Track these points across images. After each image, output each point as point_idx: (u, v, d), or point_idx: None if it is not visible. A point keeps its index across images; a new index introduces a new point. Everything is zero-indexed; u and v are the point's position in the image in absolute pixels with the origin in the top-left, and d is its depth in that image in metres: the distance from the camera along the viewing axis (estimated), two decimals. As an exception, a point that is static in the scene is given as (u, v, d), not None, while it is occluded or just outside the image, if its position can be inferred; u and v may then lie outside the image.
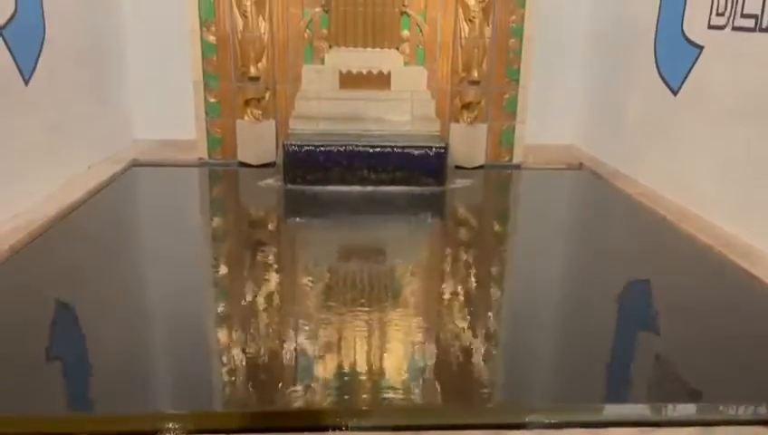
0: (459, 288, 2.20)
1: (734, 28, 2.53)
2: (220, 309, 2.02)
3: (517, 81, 3.61)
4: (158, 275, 2.30)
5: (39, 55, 2.71)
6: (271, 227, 2.99)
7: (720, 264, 2.34)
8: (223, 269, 2.37)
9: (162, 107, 3.78)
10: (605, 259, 2.52)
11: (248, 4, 3.35)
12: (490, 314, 2.03)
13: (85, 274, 2.19)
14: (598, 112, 3.91)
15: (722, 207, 2.63)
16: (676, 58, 2.95)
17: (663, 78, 3.07)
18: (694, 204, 2.81)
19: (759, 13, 2.38)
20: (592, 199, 3.43)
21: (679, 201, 2.91)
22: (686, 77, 2.88)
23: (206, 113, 3.53)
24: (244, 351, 1.67)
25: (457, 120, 3.64)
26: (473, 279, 2.31)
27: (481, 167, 3.71)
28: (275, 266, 2.42)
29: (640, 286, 2.34)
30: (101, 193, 3.03)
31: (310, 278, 2.26)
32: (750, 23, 2.44)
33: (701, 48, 2.77)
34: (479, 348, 1.73)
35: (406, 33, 3.55)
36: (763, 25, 2.37)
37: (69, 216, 2.68)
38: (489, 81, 3.59)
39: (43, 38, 2.75)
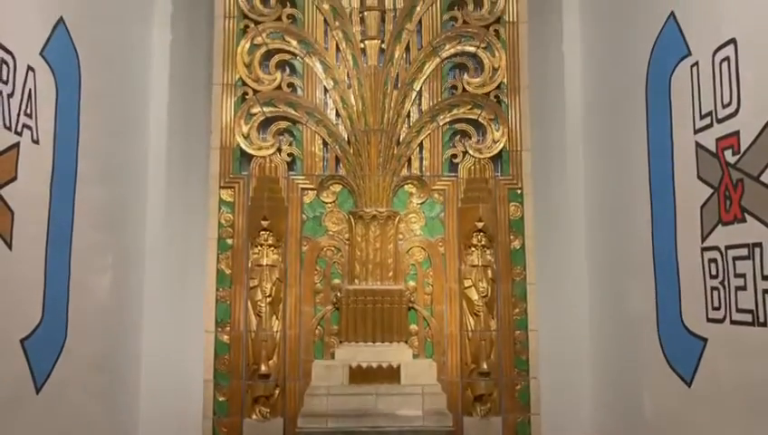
0: None
1: (733, 322, 2.60)
2: None
3: (527, 371, 3.61)
4: None
5: (55, 364, 2.78)
6: None
7: None
8: None
9: (168, 406, 3.74)
10: None
11: (263, 304, 3.54)
12: None
13: None
14: (614, 403, 3.80)
15: None
16: (682, 349, 2.97)
17: (673, 368, 3.05)
18: (735, 508, 2.57)
19: (753, 308, 2.47)
20: (624, 501, 3.16)
21: (719, 504, 2.67)
22: (696, 368, 2.87)
23: (214, 413, 3.47)
24: None
25: (470, 414, 3.55)
26: None
27: (499, 464, 3.51)
28: None
29: None
30: (94, 507, 2.83)
31: None
32: (747, 317, 2.51)
33: (705, 340, 2.81)
34: None
35: (414, 327, 3.66)
36: (760, 320, 2.43)
37: None
38: (499, 372, 3.59)
39: (63, 347, 2.85)
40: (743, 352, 2.55)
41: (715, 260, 2.73)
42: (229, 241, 3.59)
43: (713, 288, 2.74)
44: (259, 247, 3.60)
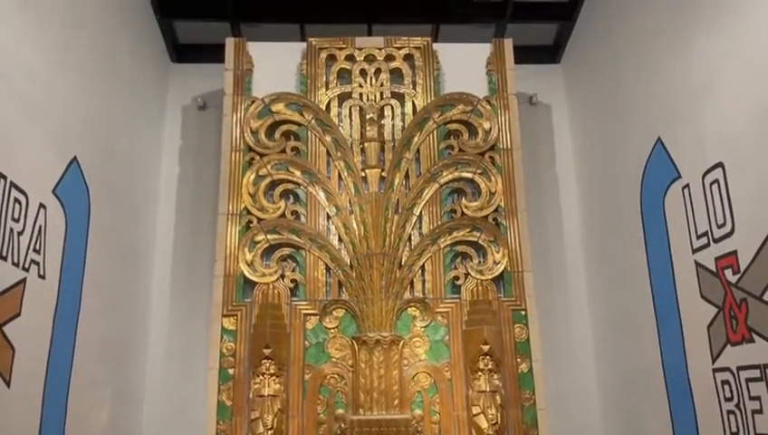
0: None
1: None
2: None
3: (543, 507, 3.40)
4: None
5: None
6: None
7: None
8: None
9: None
10: None
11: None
12: None
13: None
14: None
15: None
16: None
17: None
18: None
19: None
20: None
21: None
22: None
23: None
24: None
25: None
26: None
27: None
28: None
29: None
30: None
31: None
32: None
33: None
34: None
35: (423, 458, 3.50)
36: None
37: None
38: (514, 507, 3.39)
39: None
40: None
41: (728, 382, 2.66)
42: (230, 371, 3.52)
43: (729, 412, 2.66)
44: (261, 377, 3.51)
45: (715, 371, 2.75)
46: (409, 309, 3.73)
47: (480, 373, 3.59)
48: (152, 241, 4.17)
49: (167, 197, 4.33)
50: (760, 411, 2.45)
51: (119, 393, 3.57)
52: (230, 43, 4.02)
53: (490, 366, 3.59)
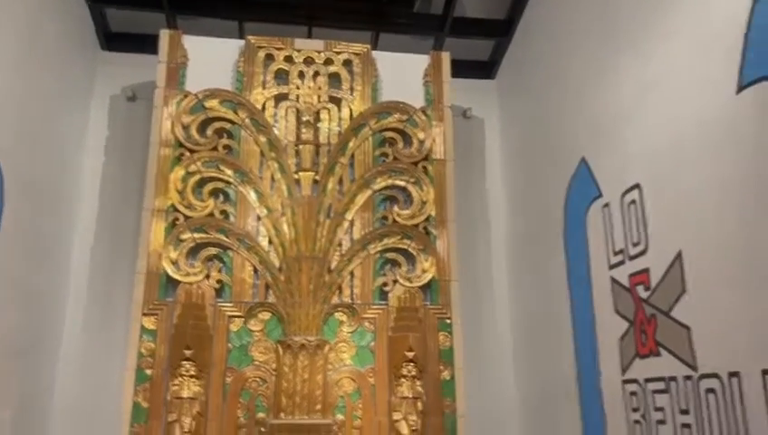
0: None
1: (657, 457, 2.62)
2: None
3: None
4: None
5: None
6: None
7: None
8: None
9: None
10: None
11: (181, 442, 3.31)
12: None
13: None
14: None
15: None
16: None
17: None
18: None
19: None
20: None
21: None
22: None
23: None
24: None
25: None
26: None
27: None
28: None
29: None
30: None
31: None
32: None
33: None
34: None
35: (341, 464, 3.49)
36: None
37: None
38: None
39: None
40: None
41: (635, 393, 2.80)
42: (148, 371, 3.41)
43: (635, 421, 2.79)
44: (180, 378, 3.42)
45: (624, 382, 2.88)
46: (337, 314, 3.73)
47: (403, 380, 3.62)
48: (71, 234, 3.99)
49: (90, 189, 4.16)
50: (663, 422, 2.58)
51: (25, 392, 3.39)
52: (165, 34, 3.91)
53: (413, 373, 3.63)
